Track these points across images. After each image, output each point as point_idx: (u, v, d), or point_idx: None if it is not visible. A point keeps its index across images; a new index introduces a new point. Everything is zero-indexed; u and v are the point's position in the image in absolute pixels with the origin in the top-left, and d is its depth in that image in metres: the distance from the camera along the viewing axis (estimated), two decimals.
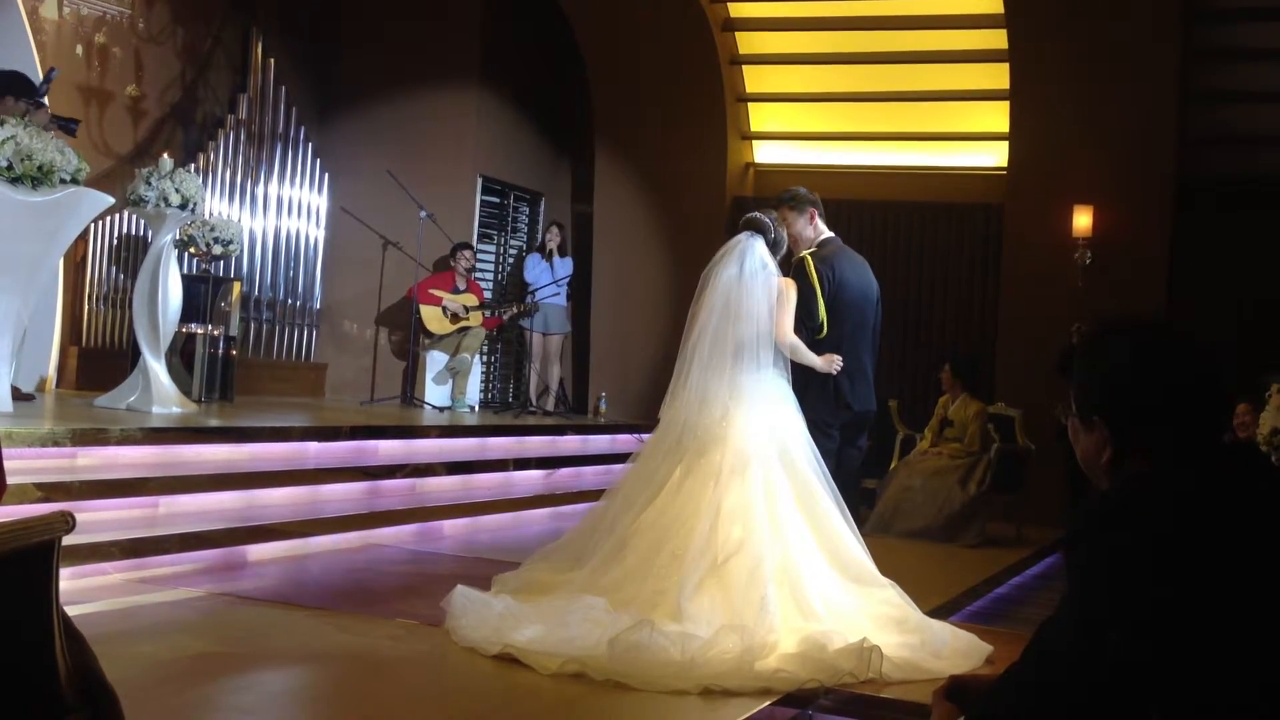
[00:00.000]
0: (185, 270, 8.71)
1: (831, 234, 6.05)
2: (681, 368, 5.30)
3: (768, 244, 5.35)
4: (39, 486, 5.33)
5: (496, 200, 12.19)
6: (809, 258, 5.86)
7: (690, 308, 5.39)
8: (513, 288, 12.27)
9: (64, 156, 6.40)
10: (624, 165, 11.95)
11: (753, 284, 5.27)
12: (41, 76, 8.45)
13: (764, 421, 5.15)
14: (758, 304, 5.25)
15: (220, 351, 8.95)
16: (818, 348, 5.66)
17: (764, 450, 5.08)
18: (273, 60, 10.80)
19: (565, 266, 11.53)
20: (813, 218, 5.96)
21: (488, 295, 11.67)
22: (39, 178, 6.29)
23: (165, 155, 7.74)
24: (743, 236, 5.38)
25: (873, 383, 6.08)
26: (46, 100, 7.64)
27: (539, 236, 12.29)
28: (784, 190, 6.13)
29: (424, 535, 7.20)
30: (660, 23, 11.53)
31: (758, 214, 5.50)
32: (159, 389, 7.39)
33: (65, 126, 7.96)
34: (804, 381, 5.52)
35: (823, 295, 5.82)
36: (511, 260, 12.47)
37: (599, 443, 10.26)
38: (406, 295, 11.12)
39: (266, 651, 4.53)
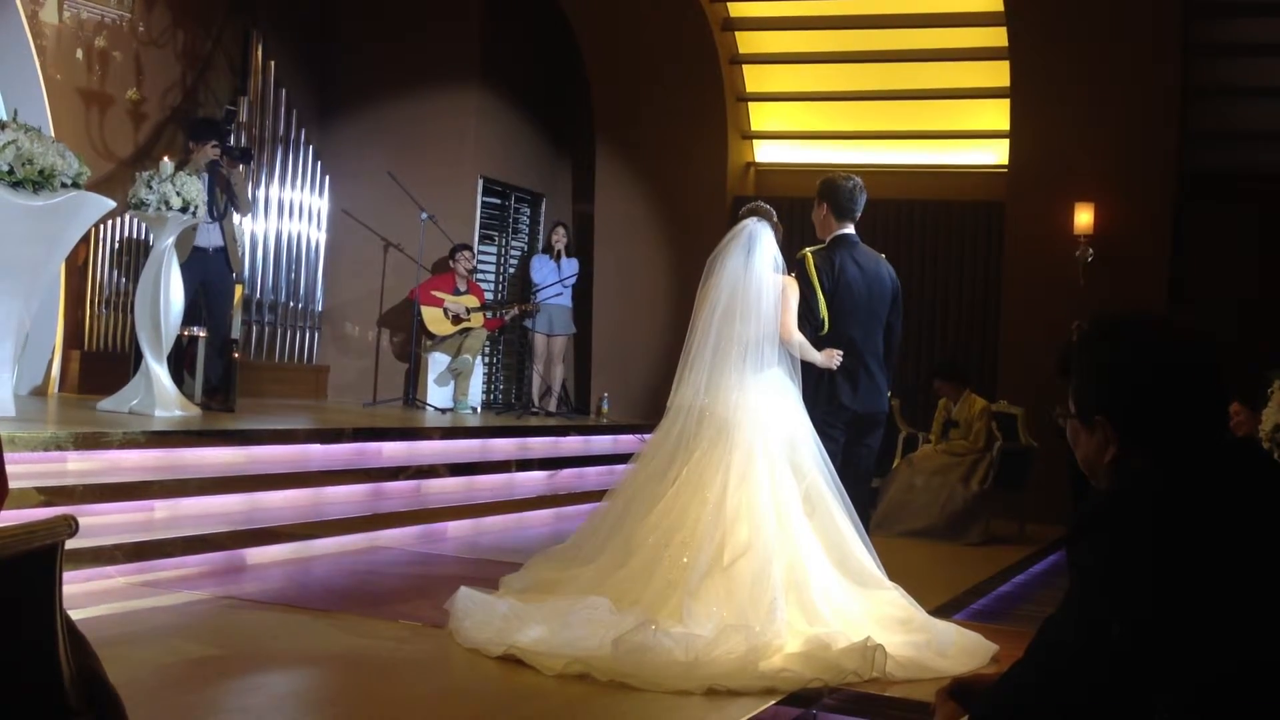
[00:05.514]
0: None
1: (847, 231, 5.95)
2: (686, 360, 5.28)
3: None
4: (41, 490, 5.33)
5: (497, 201, 12.18)
6: (809, 254, 5.80)
7: (697, 294, 5.36)
8: (516, 288, 12.27)
9: (65, 160, 6.39)
10: (625, 165, 11.94)
11: (760, 279, 5.26)
12: (41, 77, 8.52)
13: (769, 419, 5.14)
14: (764, 299, 5.23)
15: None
16: (820, 345, 5.61)
17: (770, 449, 5.06)
18: (273, 62, 10.79)
19: (571, 266, 11.52)
20: (825, 211, 5.91)
21: (489, 296, 11.67)
22: (40, 182, 6.29)
23: (166, 158, 7.74)
24: (749, 222, 5.35)
25: (884, 383, 5.87)
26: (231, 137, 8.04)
27: (540, 237, 12.30)
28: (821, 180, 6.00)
29: (427, 537, 7.20)
30: (660, 22, 11.53)
31: (760, 202, 5.52)
32: (161, 392, 7.39)
33: (241, 157, 8.27)
34: (804, 379, 5.48)
35: (822, 292, 5.75)
36: (513, 261, 12.47)
37: (601, 443, 10.26)
38: (408, 297, 11.12)
39: (270, 654, 4.53)
